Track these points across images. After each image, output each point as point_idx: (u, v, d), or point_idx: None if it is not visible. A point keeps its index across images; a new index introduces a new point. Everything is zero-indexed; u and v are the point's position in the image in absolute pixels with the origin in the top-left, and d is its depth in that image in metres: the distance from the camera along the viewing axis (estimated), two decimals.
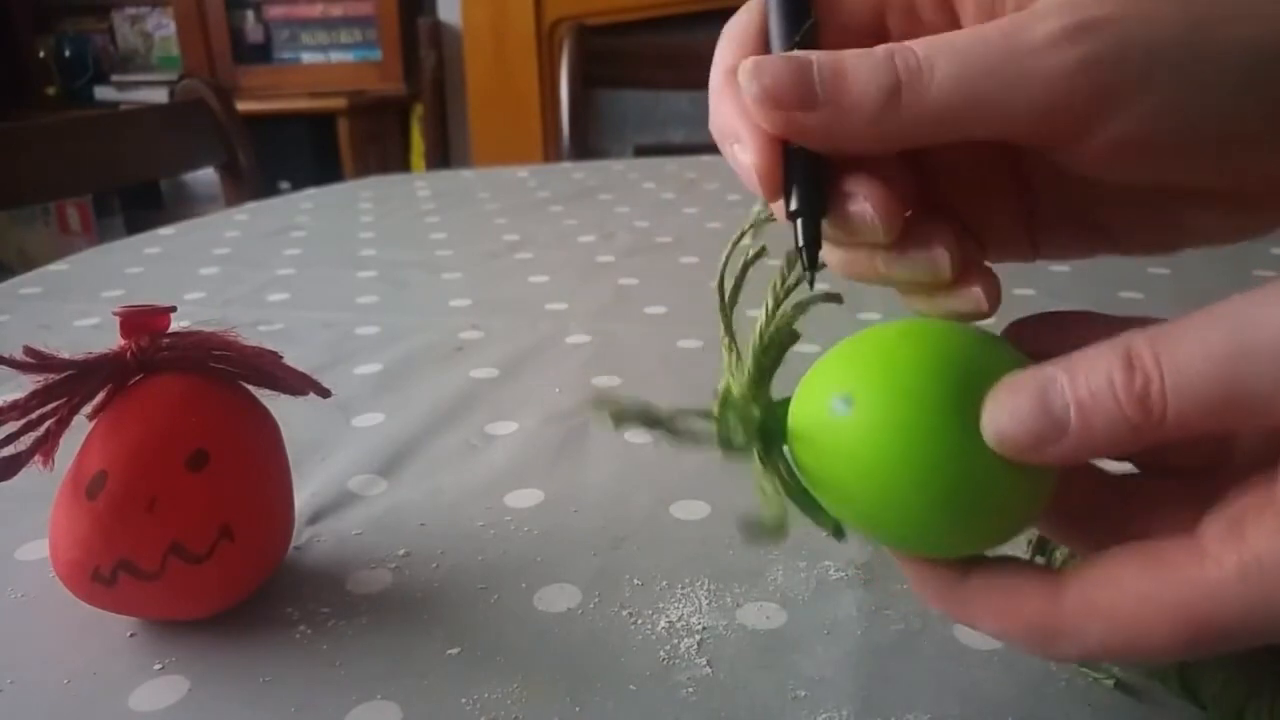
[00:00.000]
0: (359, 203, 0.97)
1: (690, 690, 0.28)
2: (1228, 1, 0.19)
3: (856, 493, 0.21)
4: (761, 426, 0.22)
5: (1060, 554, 0.28)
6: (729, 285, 0.24)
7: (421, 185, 1.06)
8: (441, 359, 0.55)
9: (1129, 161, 0.20)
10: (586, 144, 1.33)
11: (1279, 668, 0.23)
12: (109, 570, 0.29)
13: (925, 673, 0.29)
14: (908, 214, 0.22)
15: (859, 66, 0.20)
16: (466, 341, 0.57)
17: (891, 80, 0.20)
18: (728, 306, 0.24)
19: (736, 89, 0.21)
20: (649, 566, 0.34)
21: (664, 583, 0.33)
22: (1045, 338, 0.24)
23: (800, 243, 0.22)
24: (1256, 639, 0.18)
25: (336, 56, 2.83)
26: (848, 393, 0.20)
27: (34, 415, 0.29)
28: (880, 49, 0.20)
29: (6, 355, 0.28)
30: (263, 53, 2.85)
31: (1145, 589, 0.18)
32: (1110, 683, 0.28)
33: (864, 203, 0.21)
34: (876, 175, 0.21)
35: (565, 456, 0.43)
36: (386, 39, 2.76)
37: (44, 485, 0.30)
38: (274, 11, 2.82)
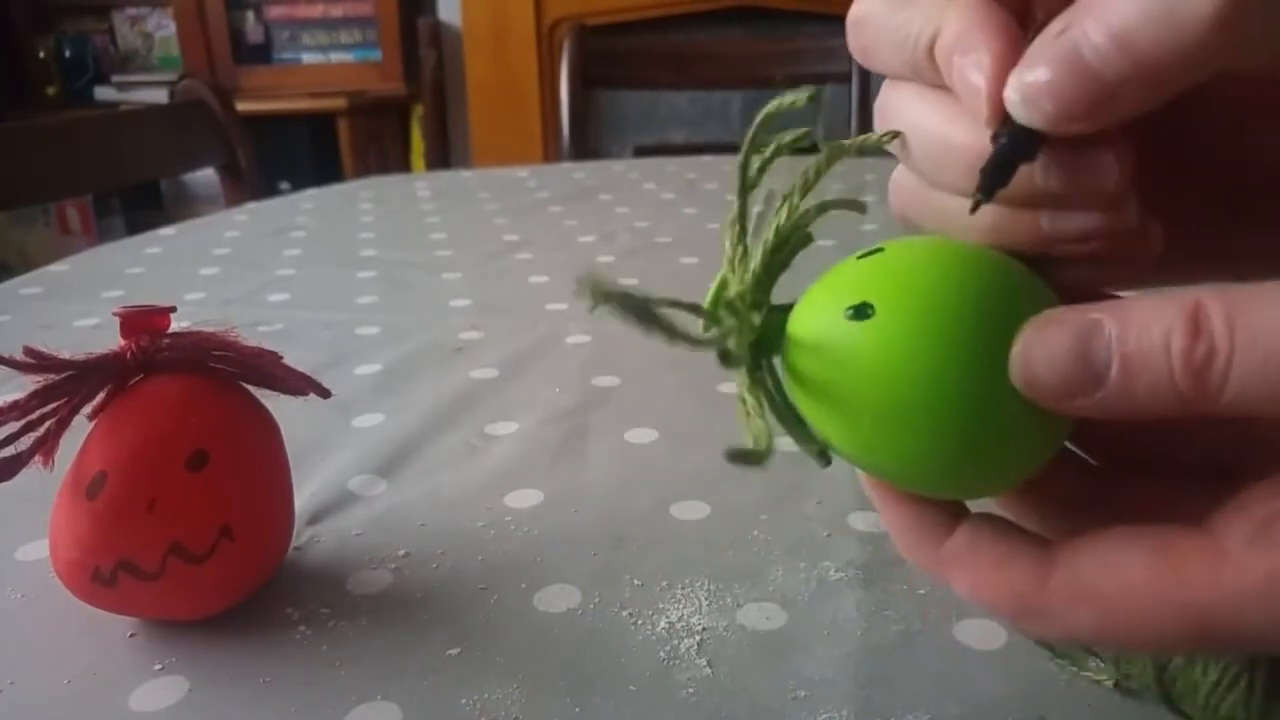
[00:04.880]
0: (359, 203, 0.97)
1: (690, 691, 0.28)
2: None
3: (859, 409, 0.19)
4: (758, 333, 0.20)
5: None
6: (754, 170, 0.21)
7: (421, 185, 1.06)
8: (441, 359, 0.55)
9: None
10: (586, 144, 1.33)
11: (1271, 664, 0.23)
12: (109, 570, 0.29)
13: (925, 673, 0.29)
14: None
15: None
16: (466, 341, 0.57)
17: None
18: (746, 189, 0.21)
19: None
20: (649, 567, 0.34)
21: (664, 583, 0.33)
22: None
23: (995, 161, 0.18)
24: (1270, 648, 0.17)
25: (336, 57, 2.83)
26: (866, 300, 0.19)
27: (34, 415, 0.29)
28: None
29: (6, 355, 0.28)
30: (263, 53, 2.85)
31: (1153, 585, 0.17)
32: (1110, 683, 0.28)
33: (1104, 151, 0.18)
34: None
35: (565, 456, 0.43)
36: (386, 39, 2.76)
37: (44, 485, 0.30)
38: (274, 12, 2.82)
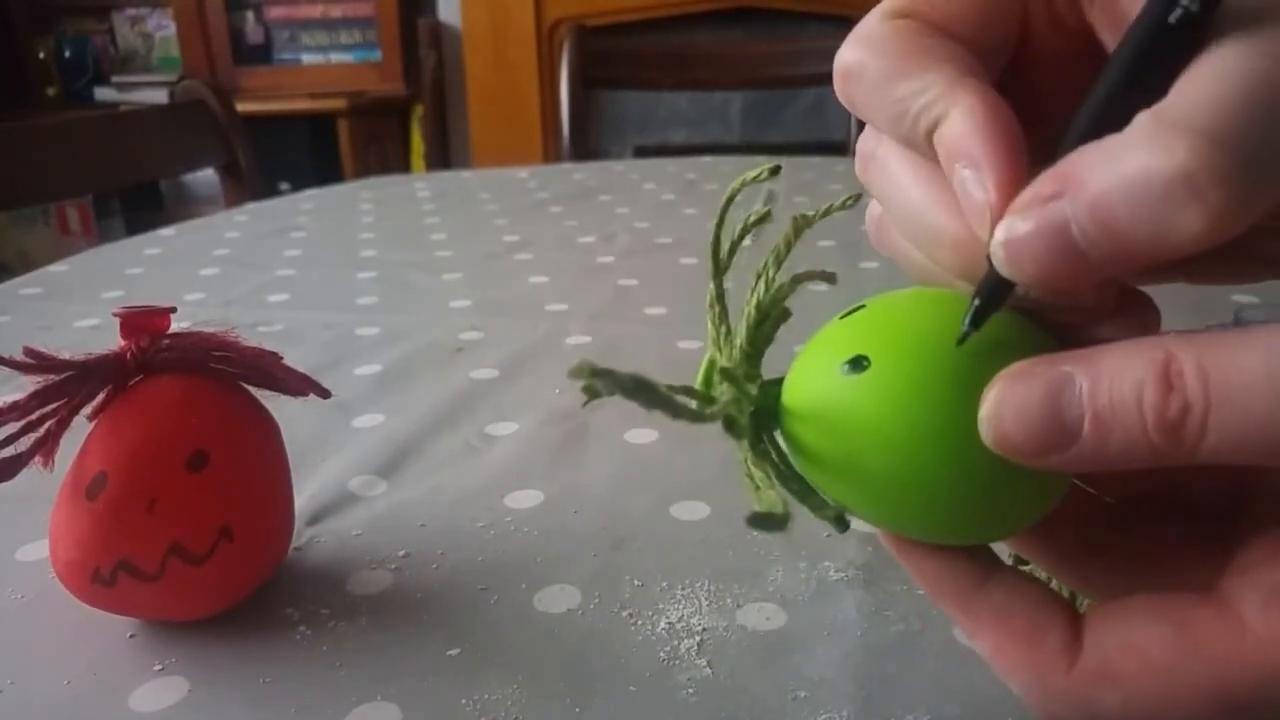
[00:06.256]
0: (359, 203, 0.97)
1: (690, 691, 0.28)
2: None
3: (867, 466, 0.19)
4: (756, 404, 0.20)
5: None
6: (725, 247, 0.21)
7: (421, 186, 1.06)
8: (441, 359, 0.55)
9: None
10: (586, 144, 1.33)
11: None
12: (109, 571, 0.29)
13: (925, 674, 0.29)
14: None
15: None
16: (466, 342, 0.57)
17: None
18: (721, 271, 0.21)
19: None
20: (649, 567, 0.34)
21: (664, 583, 0.33)
22: None
23: (987, 289, 0.18)
24: None
25: (336, 57, 2.83)
26: (860, 354, 0.19)
27: (34, 416, 0.29)
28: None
29: (6, 356, 0.28)
30: (263, 54, 2.85)
31: (1175, 663, 0.17)
32: None
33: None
34: None
35: (565, 457, 0.43)
36: (386, 39, 2.76)
37: (44, 486, 0.30)
38: (274, 12, 2.82)
